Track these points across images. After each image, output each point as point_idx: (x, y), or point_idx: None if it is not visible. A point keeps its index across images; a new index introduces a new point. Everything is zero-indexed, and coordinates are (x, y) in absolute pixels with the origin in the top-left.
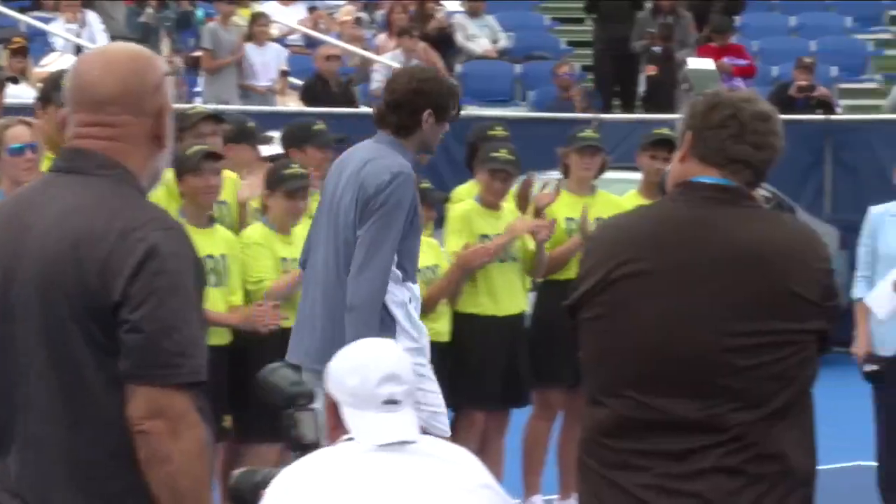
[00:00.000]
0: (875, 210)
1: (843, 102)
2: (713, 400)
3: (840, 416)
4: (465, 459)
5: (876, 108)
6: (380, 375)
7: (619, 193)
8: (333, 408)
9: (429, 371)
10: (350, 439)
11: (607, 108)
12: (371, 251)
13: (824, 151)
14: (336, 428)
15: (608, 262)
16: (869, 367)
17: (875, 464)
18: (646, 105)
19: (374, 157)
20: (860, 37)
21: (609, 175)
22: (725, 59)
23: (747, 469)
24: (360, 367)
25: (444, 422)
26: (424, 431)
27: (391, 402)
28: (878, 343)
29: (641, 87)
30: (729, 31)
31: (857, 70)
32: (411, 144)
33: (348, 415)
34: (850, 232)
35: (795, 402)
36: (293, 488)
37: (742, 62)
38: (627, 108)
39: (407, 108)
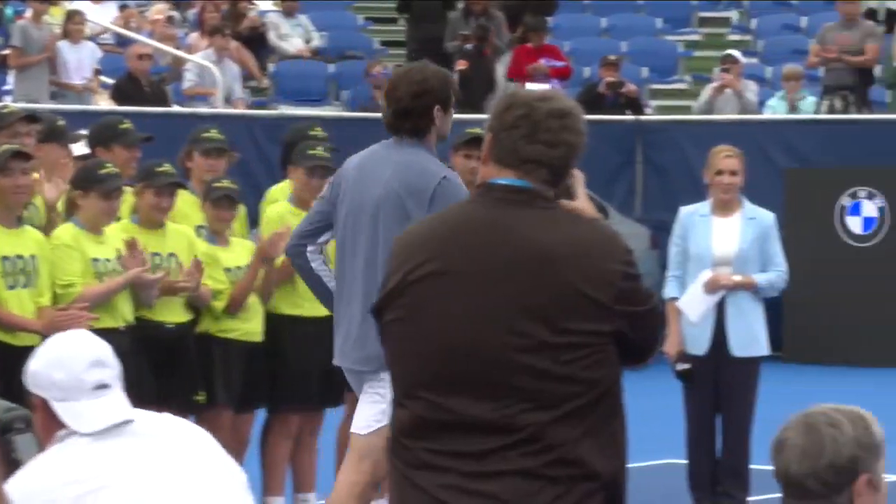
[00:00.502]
0: (685, 210)
1: (654, 103)
2: (506, 401)
3: (651, 415)
4: (187, 434)
5: (686, 109)
6: (86, 363)
7: None
8: (43, 409)
9: None
10: (69, 434)
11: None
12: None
13: (635, 152)
14: (48, 428)
15: (407, 264)
16: (680, 367)
17: (685, 461)
18: (459, 104)
19: (410, 162)
20: (670, 38)
21: None
22: (542, 61)
23: (545, 472)
24: (64, 360)
25: None
26: None
27: (101, 386)
28: (689, 342)
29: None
30: (543, 31)
31: (667, 71)
32: (430, 140)
33: (61, 409)
34: (660, 232)
35: (595, 405)
36: (29, 493)
37: (558, 63)
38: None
39: (416, 111)
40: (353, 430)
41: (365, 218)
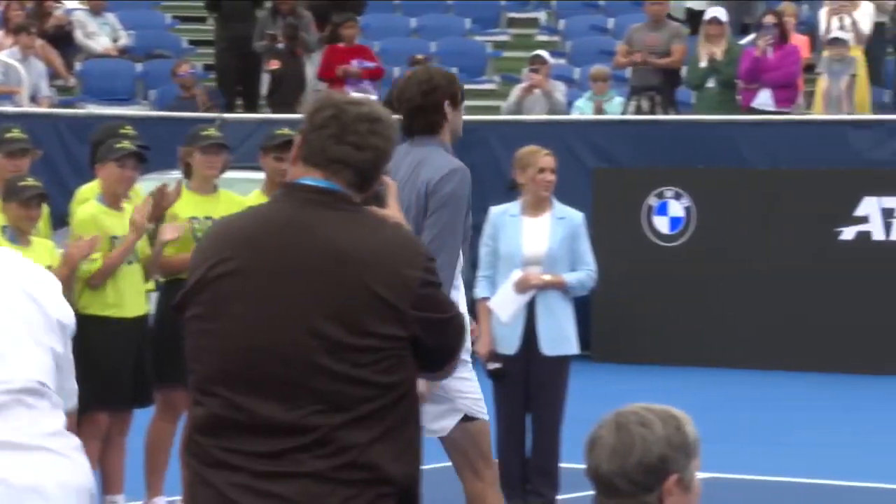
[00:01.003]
0: (495, 210)
1: (463, 103)
2: (300, 402)
3: None
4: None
5: (495, 109)
6: None
7: (242, 193)
8: None
9: (469, 361)
10: None
11: (230, 108)
12: (439, 242)
13: None
14: None
15: (209, 261)
16: (491, 366)
17: (495, 460)
18: (270, 103)
19: (423, 160)
20: (479, 38)
21: (231, 175)
22: (354, 62)
23: (337, 475)
24: None
25: (483, 407)
26: (468, 418)
27: None
28: (500, 342)
29: (265, 87)
30: (354, 28)
31: (476, 71)
32: (445, 136)
33: None
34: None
35: (390, 409)
36: None
37: (370, 64)
38: (250, 107)
39: (427, 108)
40: None
41: None
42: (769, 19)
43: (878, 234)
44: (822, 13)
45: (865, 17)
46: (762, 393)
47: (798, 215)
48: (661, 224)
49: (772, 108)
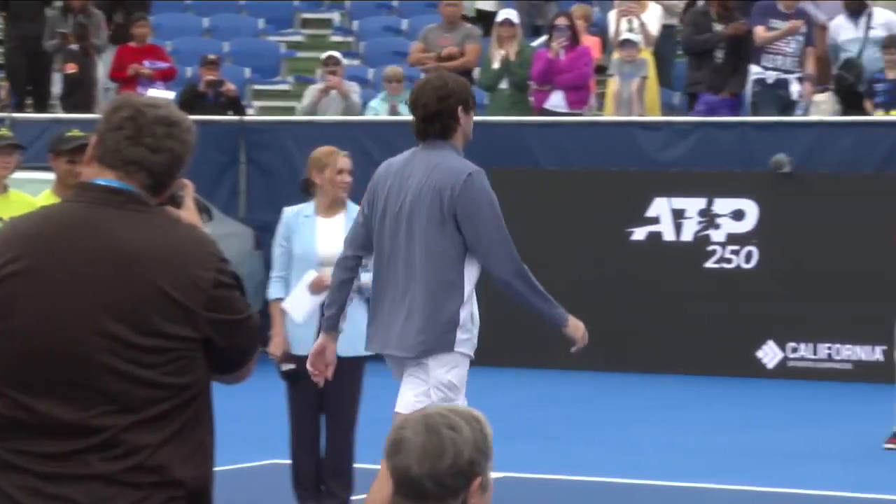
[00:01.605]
0: (289, 211)
1: (257, 104)
2: (88, 403)
3: (256, 415)
4: None
5: (289, 110)
6: None
7: (33, 194)
8: None
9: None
10: None
11: (21, 107)
12: (484, 242)
13: (239, 152)
14: None
15: None
16: (285, 367)
17: (289, 461)
18: (65, 104)
19: (438, 163)
20: (272, 39)
21: (21, 175)
22: (146, 63)
23: (125, 478)
24: None
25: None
26: None
27: None
28: (294, 343)
29: (56, 87)
30: (147, 30)
31: (269, 72)
32: (458, 140)
33: None
34: (264, 232)
35: (180, 411)
36: None
37: (162, 65)
38: (41, 107)
39: (443, 113)
40: (397, 409)
41: (402, 219)
42: (562, 21)
43: (668, 235)
44: (612, 15)
45: (654, 18)
46: (554, 393)
47: (589, 216)
48: None
49: (564, 110)
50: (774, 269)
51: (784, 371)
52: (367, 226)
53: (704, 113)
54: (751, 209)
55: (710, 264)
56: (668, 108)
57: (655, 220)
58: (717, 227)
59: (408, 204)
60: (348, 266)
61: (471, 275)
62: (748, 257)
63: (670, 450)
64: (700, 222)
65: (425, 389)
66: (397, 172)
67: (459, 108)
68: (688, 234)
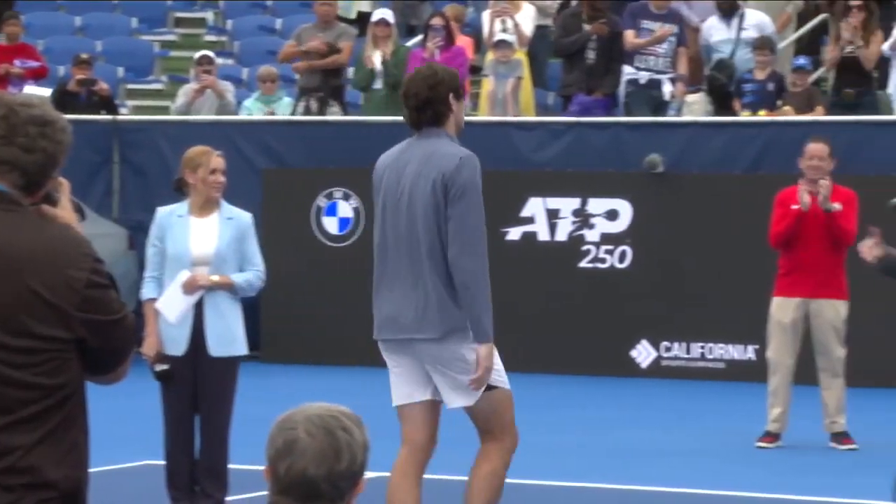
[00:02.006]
0: (162, 211)
1: (130, 103)
2: None
3: (130, 416)
4: None
5: (163, 109)
6: None
7: None
8: None
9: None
10: None
11: None
12: (465, 231)
13: (112, 152)
14: None
15: None
16: (159, 367)
17: (163, 462)
18: None
19: (433, 151)
20: (146, 38)
21: None
22: (17, 62)
23: None
24: None
25: (504, 377)
26: (490, 387)
27: None
28: (167, 343)
29: None
30: (18, 28)
31: (143, 71)
32: (450, 127)
33: None
34: (138, 232)
35: (53, 412)
36: None
37: (33, 63)
38: None
39: (434, 100)
40: (451, 406)
41: (402, 207)
42: (437, 21)
43: (543, 235)
44: (486, 16)
45: (527, 19)
46: None
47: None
48: (331, 225)
49: None
50: (648, 268)
51: (658, 370)
52: None
53: (578, 113)
54: (624, 209)
55: (584, 264)
56: (542, 109)
57: (530, 220)
58: (591, 226)
59: (407, 193)
60: None
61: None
62: (622, 257)
63: (547, 449)
64: (574, 222)
65: (474, 377)
66: (393, 163)
67: (450, 95)
68: (562, 234)
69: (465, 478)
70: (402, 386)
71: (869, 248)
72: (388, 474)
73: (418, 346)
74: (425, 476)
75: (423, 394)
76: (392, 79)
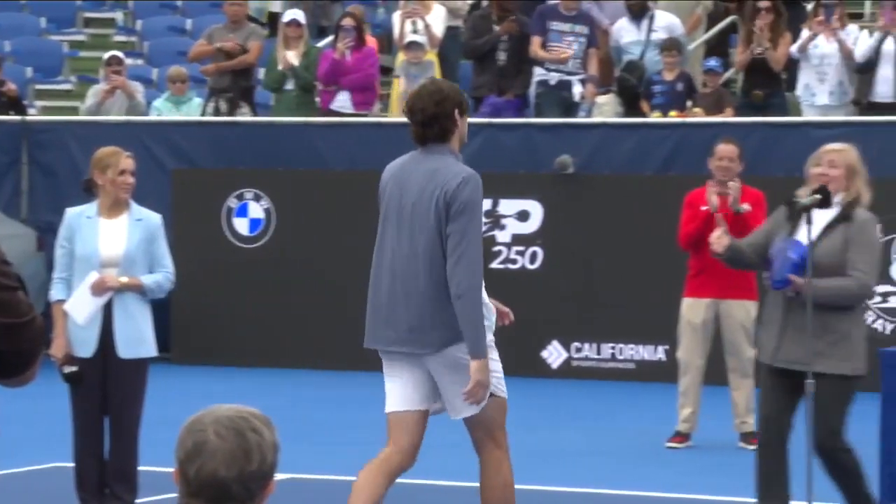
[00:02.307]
0: (71, 212)
1: (39, 104)
2: None
3: (38, 418)
4: None
5: (72, 110)
6: None
7: None
8: None
9: (493, 344)
10: None
11: None
12: (463, 244)
13: (21, 152)
14: None
15: None
16: (68, 369)
17: (72, 464)
18: None
19: (437, 168)
20: (55, 38)
21: None
22: None
23: None
24: None
25: (503, 385)
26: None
27: None
28: (76, 345)
29: None
30: None
31: (52, 71)
32: (455, 143)
33: None
34: (47, 233)
35: None
36: None
37: None
38: None
39: (440, 116)
40: (455, 417)
41: (404, 221)
42: (348, 22)
43: None
44: (396, 16)
45: (438, 20)
46: (344, 394)
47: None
48: (241, 226)
49: (350, 111)
50: (559, 269)
51: (568, 371)
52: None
53: (489, 115)
54: (535, 210)
55: (495, 265)
56: None
57: None
58: (502, 227)
59: (409, 206)
60: None
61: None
62: (533, 258)
63: (457, 450)
64: (485, 223)
65: (467, 390)
66: (395, 175)
67: (455, 111)
68: None
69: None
70: (397, 394)
71: (718, 239)
72: (300, 476)
73: (421, 359)
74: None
75: (417, 404)
76: (303, 79)
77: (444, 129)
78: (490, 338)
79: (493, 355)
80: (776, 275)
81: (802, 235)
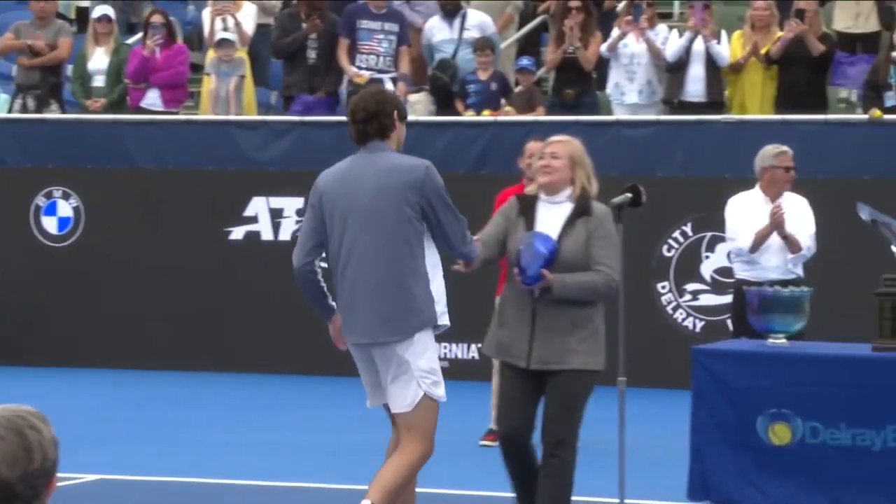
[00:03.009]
0: None
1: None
2: None
3: None
4: None
5: None
6: None
7: None
8: None
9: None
10: None
11: None
12: (455, 226)
13: None
14: None
15: None
16: None
17: None
18: None
19: (392, 165)
20: None
21: None
22: None
23: None
24: None
25: (441, 390)
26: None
27: None
28: None
29: None
30: None
31: None
32: (393, 143)
33: None
34: None
35: None
36: None
37: None
38: None
39: (381, 113)
40: (395, 411)
41: (359, 218)
42: (157, 19)
43: (266, 234)
44: (206, 13)
45: (248, 18)
46: (154, 393)
47: (188, 215)
48: (50, 224)
49: (160, 108)
50: None
51: None
52: (315, 233)
53: (301, 113)
54: None
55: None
56: (264, 108)
57: (254, 220)
58: None
59: (365, 203)
60: (309, 271)
61: (432, 259)
62: None
63: (264, 449)
64: (298, 221)
65: (415, 382)
66: (339, 179)
67: (395, 112)
68: (286, 234)
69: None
70: (370, 389)
71: None
72: (115, 477)
73: (369, 350)
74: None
75: (383, 397)
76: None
77: (384, 125)
78: (431, 333)
79: (432, 353)
80: (529, 270)
81: (543, 228)
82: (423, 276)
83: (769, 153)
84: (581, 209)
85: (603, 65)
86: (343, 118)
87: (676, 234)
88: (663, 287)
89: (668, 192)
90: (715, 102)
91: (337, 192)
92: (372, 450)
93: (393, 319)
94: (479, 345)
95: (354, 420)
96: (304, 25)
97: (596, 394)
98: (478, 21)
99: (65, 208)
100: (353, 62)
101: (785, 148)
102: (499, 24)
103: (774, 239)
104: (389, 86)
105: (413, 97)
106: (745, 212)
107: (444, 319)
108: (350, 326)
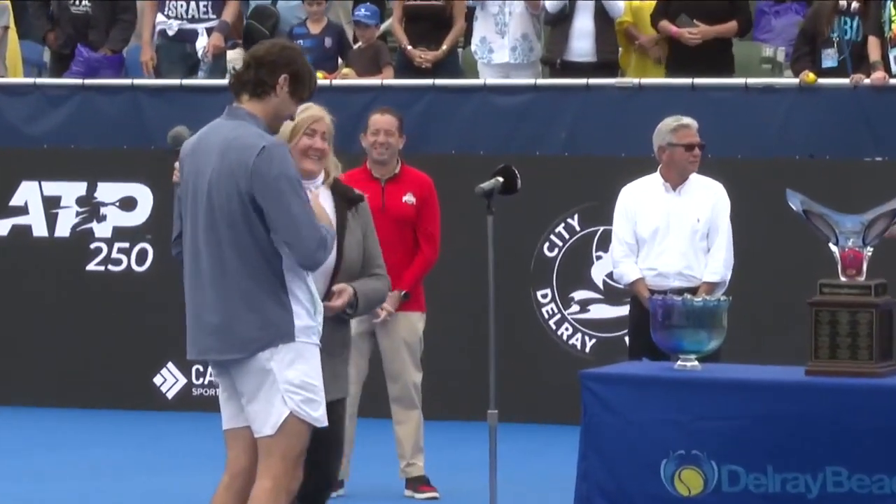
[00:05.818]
0: None
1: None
2: None
3: None
4: None
5: None
6: None
7: None
8: None
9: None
10: None
11: None
12: (290, 228)
13: None
14: None
15: None
16: None
17: None
18: None
19: (235, 138)
20: None
21: None
22: None
23: None
24: None
25: (315, 410)
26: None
27: None
28: None
29: None
30: None
31: None
32: (264, 112)
33: None
34: None
35: None
36: None
37: None
38: None
39: (265, 65)
40: (262, 434)
41: (200, 207)
42: None
43: (39, 230)
44: None
45: None
46: None
47: None
48: None
49: None
50: (175, 271)
51: (189, 401)
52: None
53: (84, 74)
54: (144, 196)
55: (93, 266)
56: (35, 68)
57: (23, 211)
58: (101, 219)
59: (205, 191)
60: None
61: (288, 260)
62: (141, 257)
63: (38, 499)
64: (80, 213)
65: (279, 398)
66: (194, 151)
67: (284, 77)
68: (64, 229)
69: None
70: (226, 408)
71: None
72: None
73: (228, 365)
74: None
75: (244, 418)
76: None
77: (261, 80)
78: (315, 343)
79: (313, 366)
80: None
81: None
82: (269, 280)
83: (667, 127)
84: (349, 199)
85: (468, 15)
86: (140, 81)
87: (560, 228)
88: (544, 296)
89: (550, 176)
90: (606, 63)
91: (188, 168)
92: (182, 496)
93: (229, 332)
94: None
95: (143, 462)
96: None
97: (461, 431)
98: None
99: None
100: (162, 10)
101: (687, 120)
102: None
103: (676, 234)
104: (203, 37)
105: (231, 54)
106: (638, 211)
107: (302, 336)
108: (194, 339)
